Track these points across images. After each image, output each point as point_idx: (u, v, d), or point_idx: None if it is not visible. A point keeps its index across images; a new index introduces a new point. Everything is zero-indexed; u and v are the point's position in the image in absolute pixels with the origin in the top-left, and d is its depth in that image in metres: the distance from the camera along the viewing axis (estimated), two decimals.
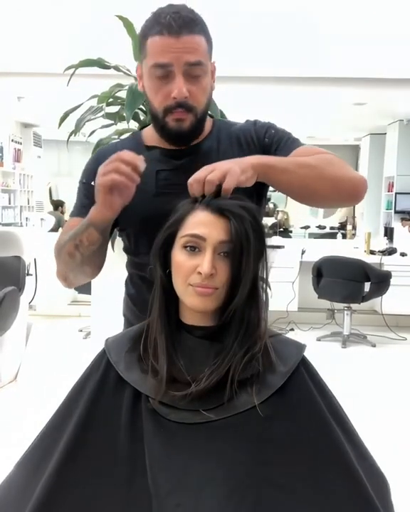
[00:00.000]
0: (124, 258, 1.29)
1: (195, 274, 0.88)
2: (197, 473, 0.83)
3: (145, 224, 1.09)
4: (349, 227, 8.04)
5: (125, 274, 1.31)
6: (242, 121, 1.26)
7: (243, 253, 0.88)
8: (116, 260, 1.27)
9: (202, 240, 0.88)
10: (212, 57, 1.13)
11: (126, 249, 1.26)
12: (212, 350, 0.92)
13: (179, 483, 0.82)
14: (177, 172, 1.13)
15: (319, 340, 4.62)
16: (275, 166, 1.03)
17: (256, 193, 1.13)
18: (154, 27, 1.06)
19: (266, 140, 1.18)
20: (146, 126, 1.27)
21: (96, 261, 1.15)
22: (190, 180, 0.93)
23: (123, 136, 2.36)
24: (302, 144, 1.17)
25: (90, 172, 1.22)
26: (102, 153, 1.24)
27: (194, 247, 0.89)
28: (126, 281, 1.32)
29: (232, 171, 0.93)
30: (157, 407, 0.88)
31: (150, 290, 0.97)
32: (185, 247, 0.90)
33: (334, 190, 1.09)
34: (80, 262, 1.12)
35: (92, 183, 1.20)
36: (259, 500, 0.81)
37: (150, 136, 1.21)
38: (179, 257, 0.91)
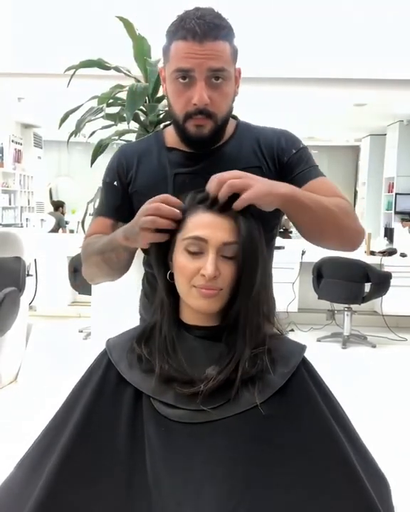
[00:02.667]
0: None
1: (198, 275, 0.88)
2: (198, 471, 0.83)
3: None
4: None
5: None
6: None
7: (248, 254, 0.88)
8: None
9: (204, 242, 0.88)
10: (237, 63, 1.11)
11: (144, 249, 1.27)
12: (213, 350, 0.92)
13: (180, 482, 0.82)
14: (195, 176, 1.13)
15: (320, 340, 4.62)
16: (304, 203, 1.01)
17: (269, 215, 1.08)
18: (178, 31, 1.05)
19: (286, 159, 1.17)
20: (163, 124, 1.26)
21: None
22: (214, 177, 0.92)
23: (123, 137, 2.36)
24: (320, 174, 1.17)
25: (113, 171, 1.23)
26: (124, 151, 1.25)
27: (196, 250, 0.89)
28: (142, 279, 1.33)
29: (257, 187, 0.91)
30: (158, 407, 0.88)
31: None
32: (187, 249, 0.90)
33: (340, 238, 1.13)
34: (107, 271, 1.17)
35: (115, 184, 1.21)
36: (259, 499, 0.81)
37: (171, 137, 1.20)
38: (181, 259, 0.90)
